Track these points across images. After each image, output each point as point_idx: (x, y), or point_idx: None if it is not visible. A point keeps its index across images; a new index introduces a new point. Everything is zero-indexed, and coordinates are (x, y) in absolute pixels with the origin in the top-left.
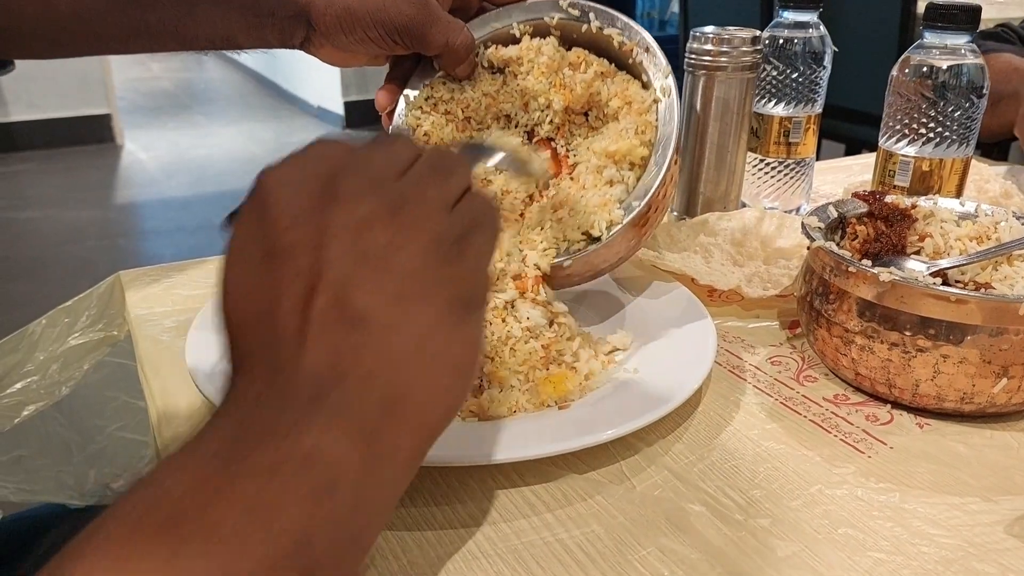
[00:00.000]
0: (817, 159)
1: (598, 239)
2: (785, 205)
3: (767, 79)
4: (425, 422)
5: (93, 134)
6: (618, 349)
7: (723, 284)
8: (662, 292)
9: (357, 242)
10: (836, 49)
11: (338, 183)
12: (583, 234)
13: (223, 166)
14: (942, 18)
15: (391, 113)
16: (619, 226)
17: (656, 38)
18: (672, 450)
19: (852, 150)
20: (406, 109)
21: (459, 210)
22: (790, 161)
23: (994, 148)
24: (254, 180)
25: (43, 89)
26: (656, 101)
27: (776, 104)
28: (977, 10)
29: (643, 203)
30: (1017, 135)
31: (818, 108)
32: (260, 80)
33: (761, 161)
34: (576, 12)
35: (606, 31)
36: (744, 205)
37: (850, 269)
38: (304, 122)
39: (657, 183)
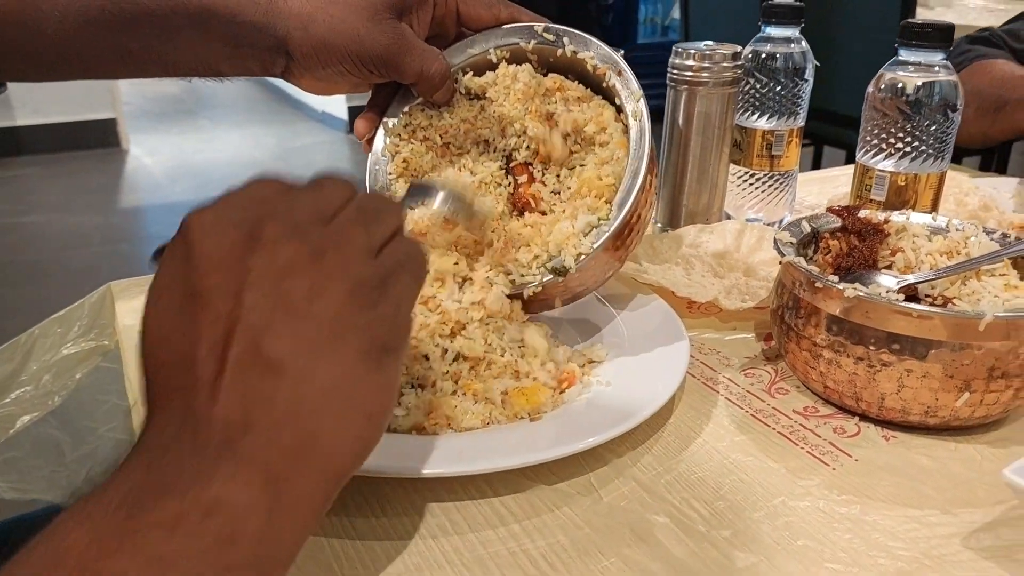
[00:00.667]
0: (820, 167)
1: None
2: (769, 217)
3: (750, 92)
4: (333, 468)
5: (98, 139)
6: (594, 362)
7: (701, 296)
8: (640, 305)
9: (277, 288)
10: (818, 63)
11: (264, 227)
12: (553, 268)
13: (227, 171)
14: (916, 36)
15: (371, 140)
16: (586, 256)
17: (658, 44)
18: (641, 462)
19: (853, 158)
20: (385, 136)
21: (384, 254)
22: (773, 173)
23: (994, 158)
24: (182, 220)
25: (49, 94)
26: (627, 129)
27: (759, 117)
28: (950, 29)
29: (612, 230)
30: None
31: (800, 121)
32: (265, 85)
33: (745, 173)
34: (551, 37)
35: (580, 55)
36: (728, 217)
37: (817, 284)
38: (308, 127)
39: (626, 209)
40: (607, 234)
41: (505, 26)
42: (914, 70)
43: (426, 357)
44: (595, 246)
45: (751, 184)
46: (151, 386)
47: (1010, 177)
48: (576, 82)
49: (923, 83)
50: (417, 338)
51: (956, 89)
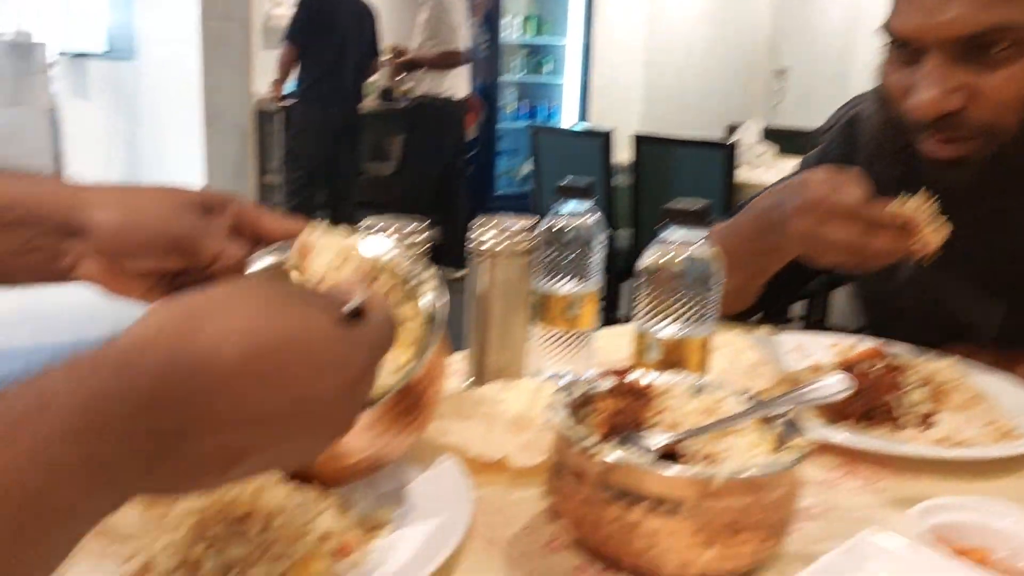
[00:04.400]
0: None
1: None
2: (575, 371)
3: (550, 259)
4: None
5: None
6: (378, 527)
7: (491, 455)
8: (435, 466)
9: (277, 450)
10: (613, 229)
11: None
12: None
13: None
14: (679, 217)
15: None
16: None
17: (515, 195)
18: None
19: None
20: None
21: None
22: (573, 331)
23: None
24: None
25: None
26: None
27: (559, 281)
28: (707, 209)
29: (395, 390)
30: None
31: (593, 285)
32: None
33: (548, 332)
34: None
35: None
36: (538, 372)
37: (573, 449)
38: None
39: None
40: (392, 391)
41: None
42: (680, 246)
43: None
44: (409, 372)
45: (553, 342)
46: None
47: (792, 331)
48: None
49: (685, 257)
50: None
51: (717, 262)
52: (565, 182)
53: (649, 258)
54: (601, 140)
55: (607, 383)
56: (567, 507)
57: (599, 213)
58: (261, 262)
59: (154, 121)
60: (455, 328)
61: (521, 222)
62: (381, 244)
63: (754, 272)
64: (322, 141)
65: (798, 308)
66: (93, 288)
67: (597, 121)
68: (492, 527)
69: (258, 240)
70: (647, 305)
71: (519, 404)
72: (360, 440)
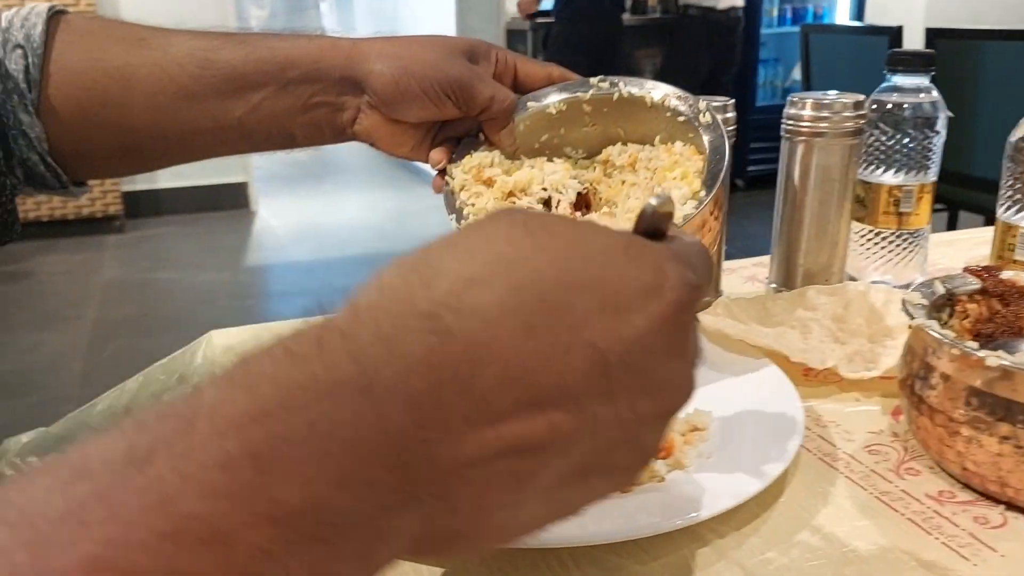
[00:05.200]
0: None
1: None
2: (897, 279)
3: (875, 145)
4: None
5: (230, 201)
6: (698, 429)
7: (819, 363)
8: (749, 370)
9: (619, 448)
10: (952, 114)
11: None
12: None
13: (346, 234)
14: None
15: (443, 172)
16: (691, 216)
17: (778, 106)
18: (746, 544)
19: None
20: (456, 172)
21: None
22: (901, 232)
23: None
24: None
25: None
26: (702, 153)
27: (885, 171)
28: None
29: (709, 197)
30: None
31: (932, 176)
32: None
33: (869, 231)
34: (606, 85)
35: (637, 93)
36: (851, 278)
37: (954, 352)
38: (425, 191)
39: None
40: (709, 198)
41: (561, 83)
42: None
43: None
44: (703, 203)
45: (876, 243)
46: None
47: None
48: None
49: None
50: None
51: None
52: (898, 50)
53: (1021, 129)
54: (887, 37)
55: (972, 283)
56: (930, 424)
57: (936, 91)
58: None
59: None
60: (756, 228)
61: (845, 98)
62: (651, 86)
63: None
64: (581, 59)
65: None
66: (367, 146)
67: (875, 19)
68: (822, 442)
69: (517, 87)
70: (1016, 191)
71: (840, 310)
72: None
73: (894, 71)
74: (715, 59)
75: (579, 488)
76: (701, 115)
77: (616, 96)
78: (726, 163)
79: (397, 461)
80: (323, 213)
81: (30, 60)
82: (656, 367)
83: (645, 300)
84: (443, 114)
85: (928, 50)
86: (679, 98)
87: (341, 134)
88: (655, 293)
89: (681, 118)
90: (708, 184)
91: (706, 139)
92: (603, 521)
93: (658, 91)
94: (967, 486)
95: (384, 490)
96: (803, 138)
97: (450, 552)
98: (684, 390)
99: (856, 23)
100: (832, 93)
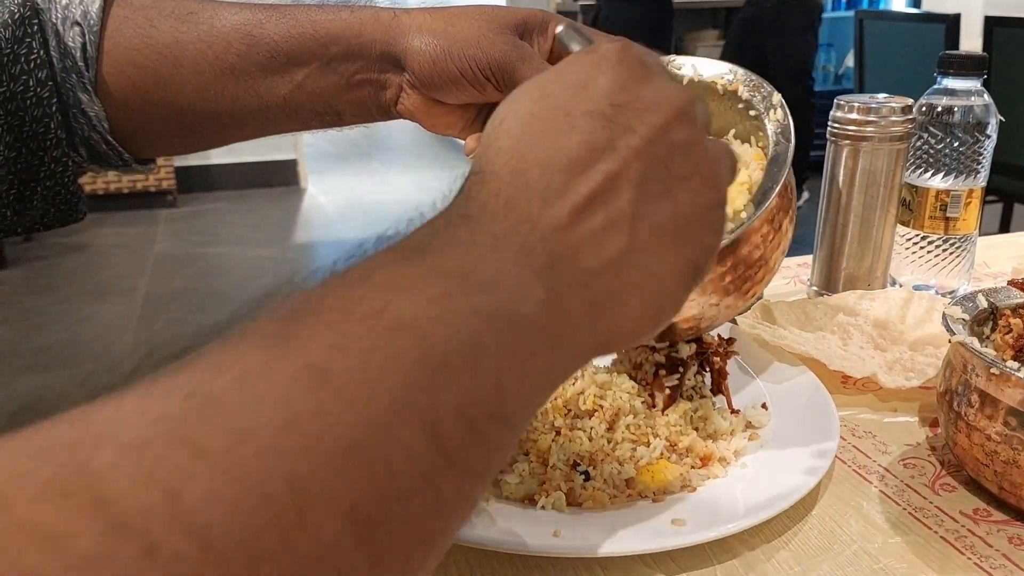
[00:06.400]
0: (1008, 229)
1: None
2: (942, 286)
3: (923, 148)
4: (607, 342)
5: (281, 177)
6: (752, 427)
7: (857, 371)
8: (786, 377)
9: (668, 163)
10: (1003, 119)
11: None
12: None
13: (393, 211)
14: None
15: None
16: (742, 225)
17: (830, 92)
18: (776, 557)
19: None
20: None
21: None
22: (948, 237)
23: None
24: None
25: None
26: (764, 148)
27: (933, 175)
28: None
29: (764, 207)
30: None
31: (981, 181)
32: None
33: (915, 235)
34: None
35: (707, 77)
36: (894, 283)
37: (993, 371)
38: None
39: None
40: (765, 206)
41: None
42: None
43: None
44: (757, 213)
45: (921, 248)
46: (498, 176)
47: None
48: None
49: None
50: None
51: None
52: (950, 52)
53: None
54: (943, 26)
55: (1017, 297)
56: (967, 440)
57: (987, 95)
58: None
59: None
60: (804, 226)
61: (893, 102)
62: (717, 67)
63: None
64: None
65: None
66: (414, 123)
67: (932, 6)
68: (857, 453)
69: None
70: None
71: (882, 316)
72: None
73: (945, 74)
74: (777, 45)
75: (669, 206)
76: (772, 111)
77: (686, 80)
78: (783, 176)
79: (528, 257)
80: (371, 191)
81: (87, 38)
82: (639, 91)
83: (595, 67)
84: (486, 97)
85: (981, 52)
86: (750, 86)
87: (387, 112)
88: (599, 59)
89: (752, 112)
90: (757, 201)
91: (771, 144)
92: (634, 531)
93: (731, 75)
94: (1004, 505)
95: (535, 286)
96: (849, 142)
97: (621, 331)
98: (673, 95)
99: (912, 10)
100: (880, 96)
